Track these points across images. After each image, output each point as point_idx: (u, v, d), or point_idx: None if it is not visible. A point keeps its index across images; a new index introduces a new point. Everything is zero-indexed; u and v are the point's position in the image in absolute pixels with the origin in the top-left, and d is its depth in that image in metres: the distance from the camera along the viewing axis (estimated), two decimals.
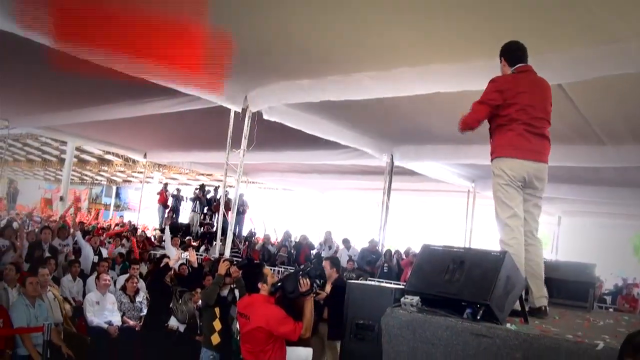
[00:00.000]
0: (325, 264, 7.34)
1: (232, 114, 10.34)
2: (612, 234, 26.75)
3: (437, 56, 7.35)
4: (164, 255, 8.63)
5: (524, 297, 4.20)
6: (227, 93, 9.78)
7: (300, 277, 4.95)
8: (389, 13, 6.32)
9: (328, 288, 6.92)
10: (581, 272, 5.87)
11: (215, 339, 6.08)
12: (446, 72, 7.53)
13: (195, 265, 7.25)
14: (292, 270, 7.75)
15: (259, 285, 5.04)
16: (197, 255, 9.05)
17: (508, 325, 3.69)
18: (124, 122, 13.52)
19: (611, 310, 10.98)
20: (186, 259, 9.90)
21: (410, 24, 6.54)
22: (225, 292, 6.41)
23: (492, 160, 4.72)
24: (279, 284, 5.09)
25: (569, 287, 5.62)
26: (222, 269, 6.23)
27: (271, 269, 6.78)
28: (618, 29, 5.98)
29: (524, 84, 4.58)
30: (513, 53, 4.77)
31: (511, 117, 4.50)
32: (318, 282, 5.32)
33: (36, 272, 7.65)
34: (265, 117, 10.09)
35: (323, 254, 16.25)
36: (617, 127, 9.57)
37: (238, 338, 6.21)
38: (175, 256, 7.84)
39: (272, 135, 10.67)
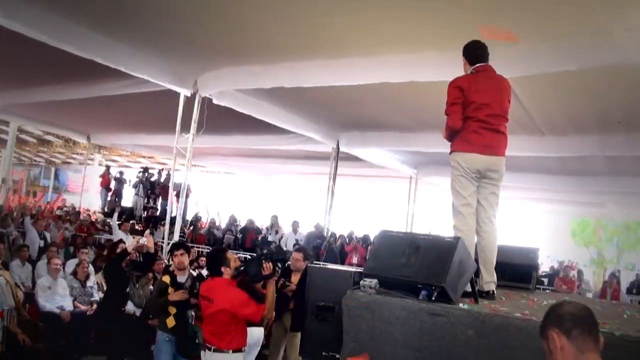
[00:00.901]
0: (298, 256, 7.23)
1: (181, 98, 10.35)
2: (551, 219, 27.65)
3: (387, 47, 7.58)
4: (120, 241, 8.64)
5: (474, 279, 4.49)
6: (177, 77, 9.80)
7: (263, 261, 5.14)
8: (339, 2, 6.50)
9: (296, 279, 6.92)
10: (524, 255, 6.19)
11: (171, 322, 6.16)
12: (395, 62, 7.78)
13: (152, 250, 7.27)
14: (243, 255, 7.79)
15: (222, 269, 5.18)
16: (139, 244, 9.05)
17: (461, 305, 3.96)
18: (68, 103, 13.31)
19: (548, 291, 11.47)
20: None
21: (361, 14, 6.73)
22: (182, 279, 6.41)
23: (450, 153, 4.95)
24: (242, 267, 5.27)
25: (513, 270, 5.95)
26: (176, 296, 6.17)
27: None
28: (557, 29, 6.30)
29: (481, 82, 4.82)
30: (473, 53, 5.00)
31: (467, 115, 4.75)
32: (279, 265, 5.49)
33: None
34: (215, 101, 10.20)
35: (270, 238, 16.41)
36: (557, 119, 10.02)
37: (193, 323, 6.33)
38: (133, 241, 7.84)
39: (218, 119, 10.75)
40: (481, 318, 3.65)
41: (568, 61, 6.63)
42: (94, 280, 9.21)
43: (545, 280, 16.29)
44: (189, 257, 6.76)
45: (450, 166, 4.96)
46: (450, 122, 4.81)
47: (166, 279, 6.42)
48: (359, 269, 4.67)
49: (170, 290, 6.27)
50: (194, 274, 6.80)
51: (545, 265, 20.00)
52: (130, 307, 8.45)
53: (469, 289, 4.36)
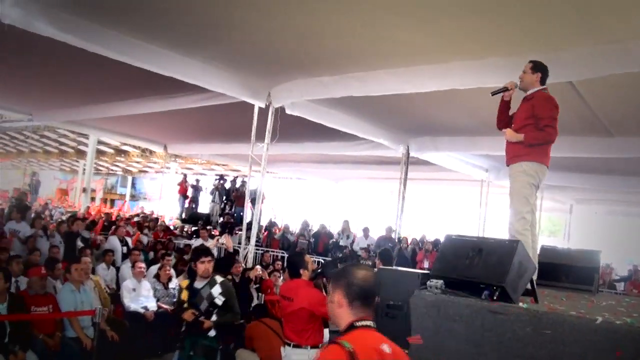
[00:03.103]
0: (378, 263, 7.80)
1: (256, 109, 10.79)
2: (625, 221, 26.96)
3: (453, 54, 7.75)
4: (203, 246, 9.15)
5: (534, 280, 4.74)
6: (251, 90, 10.19)
7: (339, 263, 5.53)
8: (407, 14, 6.72)
9: None
10: (587, 258, 6.33)
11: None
12: (462, 69, 7.93)
13: (231, 250, 7.67)
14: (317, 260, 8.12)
15: (301, 271, 5.61)
16: (219, 245, 9.48)
17: (520, 304, 4.21)
18: (146, 115, 13.84)
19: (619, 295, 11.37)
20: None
21: (427, 24, 6.95)
22: (199, 284, 6.05)
23: (522, 161, 5.21)
24: (319, 270, 5.69)
25: (576, 272, 6.10)
26: (186, 315, 5.90)
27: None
28: (621, 31, 6.40)
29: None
30: (546, 74, 5.32)
31: None
32: None
33: (76, 261, 8.12)
34: (287, 111, 10.55)
35: (341, 243, 16.72)
36: (625, 120, 9.95)
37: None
38: (213, 241, 8.33)
39: (291, 128, 11.08)
40: (538, 315, 3.91)
41: (629, 63, 6.70)
42: (176, 282, 9.72)
43: (620, 285, 16.00)
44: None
45: (520, 172, 5.22)
46: (554, 134, 5.11)
47: (184, 283, 6.29)
48: (426, 271, 4.98)
49: (184, 293, 6.08)
50: (218, 280, 6.15)
51: (621, 269, 19.62)
52: None
53: (529, 288, 4.63)
